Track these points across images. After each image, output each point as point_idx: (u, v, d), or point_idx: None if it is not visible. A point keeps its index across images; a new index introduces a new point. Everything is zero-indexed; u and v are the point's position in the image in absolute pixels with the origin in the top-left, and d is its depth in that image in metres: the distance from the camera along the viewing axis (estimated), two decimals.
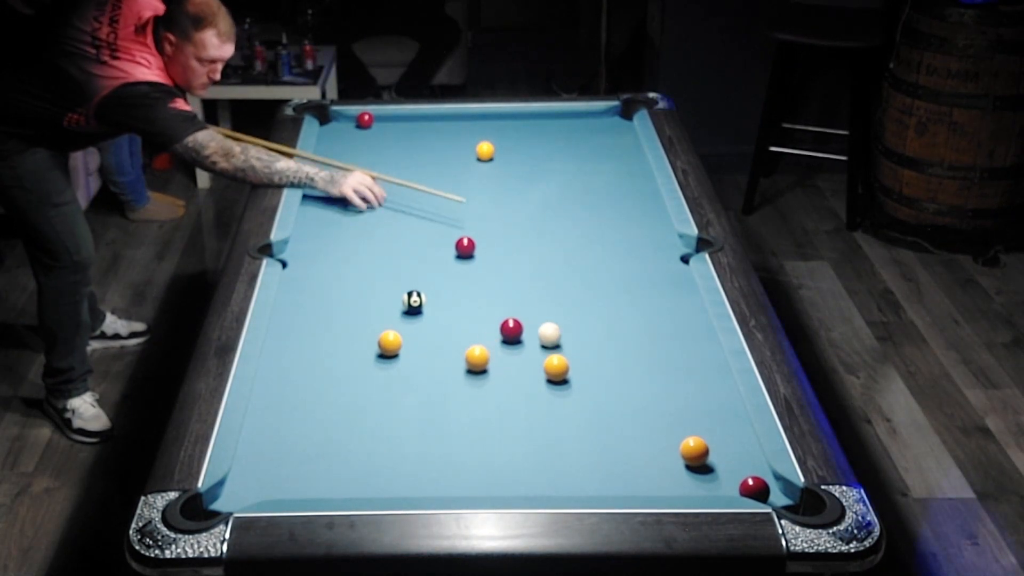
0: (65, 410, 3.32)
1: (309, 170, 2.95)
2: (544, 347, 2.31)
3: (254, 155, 2.90)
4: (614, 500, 1.82)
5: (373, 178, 2.99)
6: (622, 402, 2.14)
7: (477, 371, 2.24)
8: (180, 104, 2.84)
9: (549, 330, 2.31)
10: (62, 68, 2.83)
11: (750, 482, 1.85)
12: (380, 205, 2.95)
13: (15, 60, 2.92)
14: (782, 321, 2.38)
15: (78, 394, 3.32)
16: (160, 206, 4.75)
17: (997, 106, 4.11)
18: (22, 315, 3.93)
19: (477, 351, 2.24)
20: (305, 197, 2.99)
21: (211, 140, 2.86)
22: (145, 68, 2.83)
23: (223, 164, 2.87)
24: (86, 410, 3.31)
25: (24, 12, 3.07)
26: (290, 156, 3.09)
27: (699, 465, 1.94)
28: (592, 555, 1.71)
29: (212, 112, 5.27)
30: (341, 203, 2.98)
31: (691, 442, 1.94)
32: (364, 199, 2.93)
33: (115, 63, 2.81)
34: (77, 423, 3.30)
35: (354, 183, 2.92)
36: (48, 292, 3.20)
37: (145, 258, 4.43)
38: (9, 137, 2.94)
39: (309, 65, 5.10)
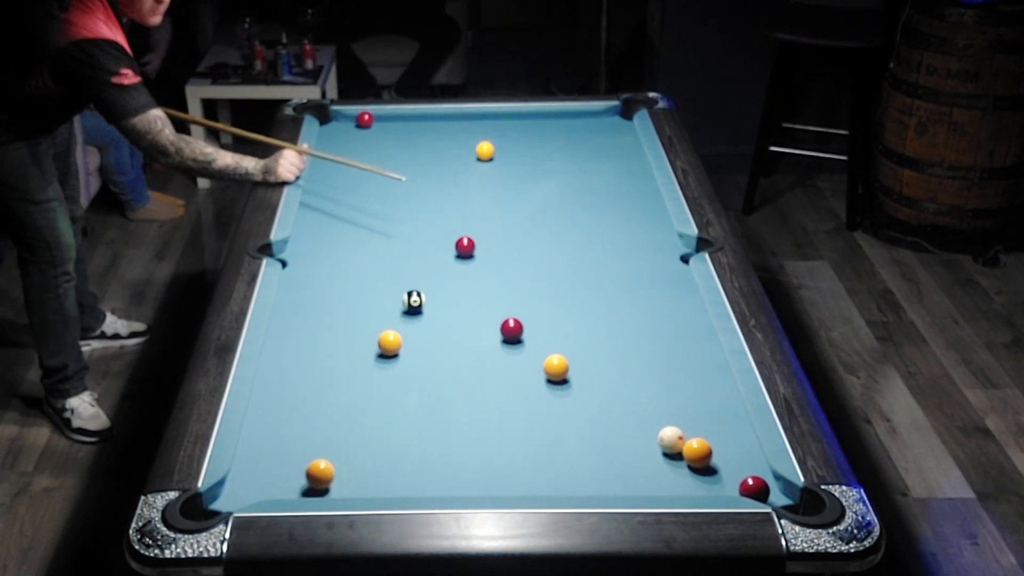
0: (64, 410, 3.32)
1: (247, 165, 3.01)
2: (666, 454, 2.00)
3: (189, 156, 2.93)
4: (614, 500, 1.82)
5: (301, 152, 3.10)
6: (622, 402, 2.14)
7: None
8: (128, 77, 2.82)
9: (670, 434, 1.99)
10: (19, 27, 2.84)
11: (750, 482, 1.85)
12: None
13: None
14: (782, 321, 2.38)
15: (76, 393, 3.32)
16: (160, 206, 4.74)
17: (997, 106, 4.11)
18: (21, 315, 3.91)
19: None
20: (305, 197, 3.00)
21: (147, 132, 2.87)
22: (94, 17, 2.81)
23: (161, 159, 2.93)
24: (85, 409, 3.31)
25: None
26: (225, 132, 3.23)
27: (702, 467, 1.94)
28: (592, 555, 1.71)
29: (212, 112, 5.26)
30: (340, 202, 2.99)
31: (695, 444, 1.94)
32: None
33: (64, 16, 2.80)
34: (76, 423, 3.30)
35: (286, 165, 3.02)
36: (32, 289, 3.21)
37: (145, 258, 4.43)
38: None
39: (309, 65, 5.10)
